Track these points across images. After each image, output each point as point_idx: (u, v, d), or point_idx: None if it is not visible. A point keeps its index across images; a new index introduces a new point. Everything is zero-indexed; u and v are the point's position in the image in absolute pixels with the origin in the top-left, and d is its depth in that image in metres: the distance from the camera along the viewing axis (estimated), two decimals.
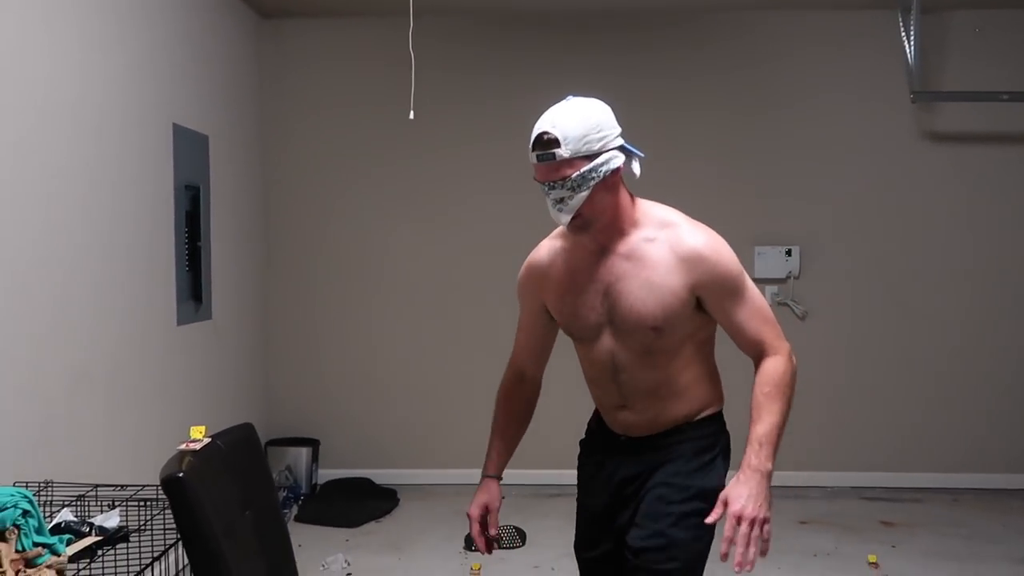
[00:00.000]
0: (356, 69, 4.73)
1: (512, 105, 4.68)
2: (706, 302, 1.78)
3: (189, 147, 3.69)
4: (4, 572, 1.74)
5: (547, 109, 1.75)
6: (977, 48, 4.61)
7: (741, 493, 1.66)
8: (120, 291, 3.07)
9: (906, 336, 4.71)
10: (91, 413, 2.86)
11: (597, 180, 1.69)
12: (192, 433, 1.85)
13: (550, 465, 4.36)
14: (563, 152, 1.67)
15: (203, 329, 3.85)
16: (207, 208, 3.88)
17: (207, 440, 1.83)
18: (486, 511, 1.98)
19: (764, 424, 1.71)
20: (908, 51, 4.45)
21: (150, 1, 3.35)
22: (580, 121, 1.68)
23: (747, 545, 1.63)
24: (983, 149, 4.66)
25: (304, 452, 4.57)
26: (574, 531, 2.04)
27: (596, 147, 1.68)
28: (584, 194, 1.69)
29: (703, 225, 1.82)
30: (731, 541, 1.65)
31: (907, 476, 4.66)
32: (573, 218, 1.73)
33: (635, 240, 1.78)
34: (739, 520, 1.65)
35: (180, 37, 3.64)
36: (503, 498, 2.02)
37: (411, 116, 3.25)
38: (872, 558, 3.64)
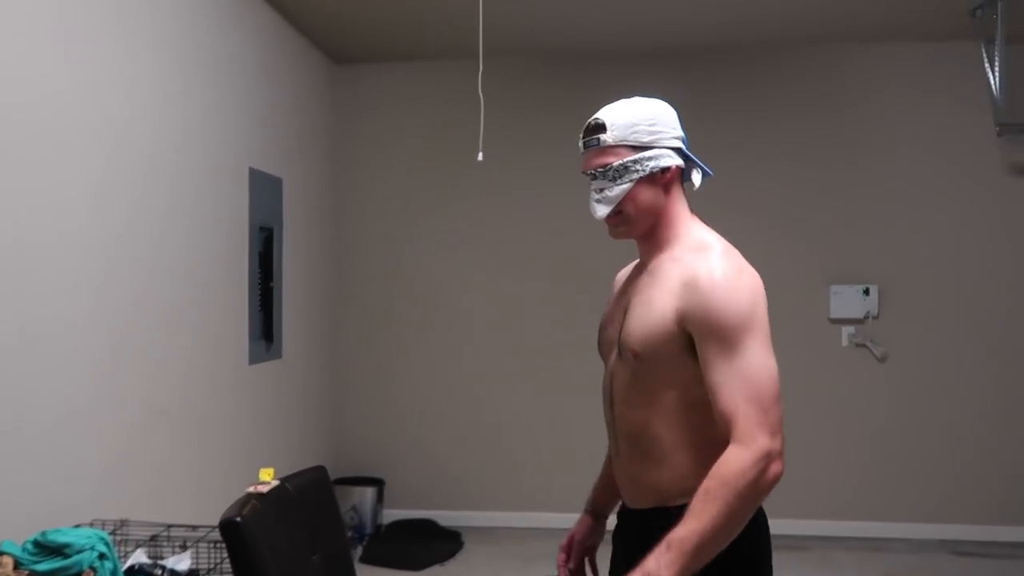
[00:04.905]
0: (426, 112, 4.81)
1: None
2: (696, 343, 1.47)
3: (264, 190, 3.80)
4: None
5: None
6: None
7: None
8: (196, 331, 3.15)
9: (993, 379, 4.46)
10: (166, 450, 2.92)
11: (642, 174, 1.52)
12: (261, 475, 1.86)
13: None
14: (607, 138, 1.54)
15: (274, 368, 3.92)
16: (280, 249, 3.97)
17: (275, 483, 1.83)
18: (571, 543, 1.87)
19: (684, 526, 1.37)
20: (992, 82, 4.29)
21: (229, 51, 3.49)
22: (633, 110, 1.55)
23: None
24: None
25: (369, 492, 4.57)
26: None
27: (645, 139, 1.52)
28: (626, 186, 1.53)
29: (740, 260, 1.51)
30: None
31: (1001, 529, 4.38)
32: (613, 215, 1.57)
33: (665, 257, 1.57)
34: None
35: (257, 84, 3.77)
36: (597, 537, 1.87)
37: (479, 157, 3.27)
38: None
